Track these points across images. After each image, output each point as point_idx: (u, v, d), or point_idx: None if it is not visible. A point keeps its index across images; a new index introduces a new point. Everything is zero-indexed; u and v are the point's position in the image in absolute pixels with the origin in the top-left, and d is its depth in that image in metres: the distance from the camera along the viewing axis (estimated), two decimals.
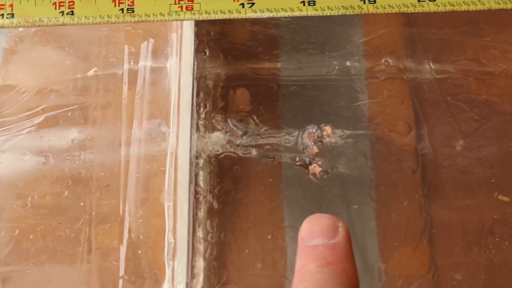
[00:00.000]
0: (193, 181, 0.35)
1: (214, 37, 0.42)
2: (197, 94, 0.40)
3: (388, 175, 0.40)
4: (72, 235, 0.34)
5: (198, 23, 0.40)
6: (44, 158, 0.37)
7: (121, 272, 0.33)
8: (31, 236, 0.34)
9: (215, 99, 0.41)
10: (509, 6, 0.36)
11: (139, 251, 0.34)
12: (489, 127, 0.42)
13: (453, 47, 0.45)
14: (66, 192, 0.35)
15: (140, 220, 0.34)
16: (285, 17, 0.40)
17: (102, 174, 0.35)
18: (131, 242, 0.34)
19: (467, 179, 0.40)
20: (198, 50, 0.39)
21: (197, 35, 0.39)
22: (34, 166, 0.36)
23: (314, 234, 0.26)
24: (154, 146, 0.37)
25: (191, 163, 0.36)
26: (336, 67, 0.44)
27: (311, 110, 0.42)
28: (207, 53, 0.40)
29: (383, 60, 0.45)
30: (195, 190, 0.35)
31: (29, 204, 0.35)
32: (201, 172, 0.37)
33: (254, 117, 0.41)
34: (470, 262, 0.38)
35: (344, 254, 0.25)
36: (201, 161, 0.37)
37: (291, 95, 0.42)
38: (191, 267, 0.34)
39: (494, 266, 0.38)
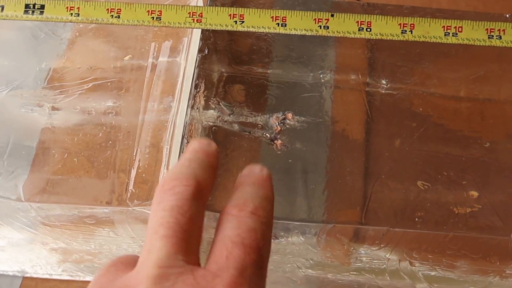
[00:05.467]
0: (186, 136, 0.52)
1: (214, 42, 0.59)
2: (199, 83, 0.56)
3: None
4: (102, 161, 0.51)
5: (203, 31, 0.57)
6: (88, 113, 0.55)
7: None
8: (75, 159, 0.52)
9: (216, 88, 0.58)
10: None
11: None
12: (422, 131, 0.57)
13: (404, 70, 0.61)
14: (100, 134, 0.53)
15: (147, 156, 0.51)
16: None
17: (126, 124, 0.53)
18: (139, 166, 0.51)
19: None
20: (200, 50, 0.56)
21: (202, 39, 0.56)
22: (81, 116, 0.54)
23: None
24: (163, 114, 0.54)
25: (185, 125, 0.52)
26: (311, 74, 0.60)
27: (285, 102, 0.58)
28: (207, 52, 0.57)
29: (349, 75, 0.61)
30: (187, 141, 0.52)
31: (75, 139, 0.52)
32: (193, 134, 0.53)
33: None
34: None
35: None
36: (194, 127, 0.54)
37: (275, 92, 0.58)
38: None
39: None
